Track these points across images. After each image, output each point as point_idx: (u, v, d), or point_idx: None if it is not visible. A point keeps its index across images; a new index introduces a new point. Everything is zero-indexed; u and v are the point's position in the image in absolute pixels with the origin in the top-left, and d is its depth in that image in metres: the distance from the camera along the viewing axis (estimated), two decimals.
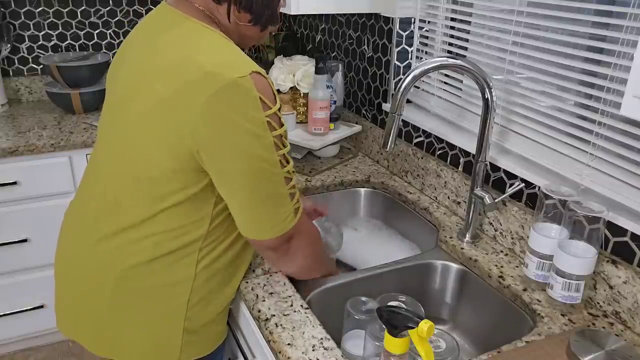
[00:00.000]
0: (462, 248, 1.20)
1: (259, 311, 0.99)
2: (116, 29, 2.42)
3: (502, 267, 1.14)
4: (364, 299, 1.01)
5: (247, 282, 1.07)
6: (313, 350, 0.89)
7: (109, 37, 2.42)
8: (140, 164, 0.91)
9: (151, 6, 2.46)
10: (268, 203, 0.90)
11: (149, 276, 0.95)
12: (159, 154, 0.89)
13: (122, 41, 0.97)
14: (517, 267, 1.14)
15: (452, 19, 1.42)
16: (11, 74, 2.31)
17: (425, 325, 0.71)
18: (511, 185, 1.22)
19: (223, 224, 0.97)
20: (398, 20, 1.52)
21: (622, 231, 0.98)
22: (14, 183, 1.84)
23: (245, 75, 0.83)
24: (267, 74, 1.77)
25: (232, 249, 1.01)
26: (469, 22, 1.35)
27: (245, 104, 0.83)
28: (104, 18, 2.39)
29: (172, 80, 0.85)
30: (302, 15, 2.14)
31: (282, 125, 0.90)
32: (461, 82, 1.42)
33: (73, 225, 1.04)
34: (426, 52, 1.53)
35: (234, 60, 0.85)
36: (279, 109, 0.89)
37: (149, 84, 0.89)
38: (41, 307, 2.04)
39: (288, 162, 0.92)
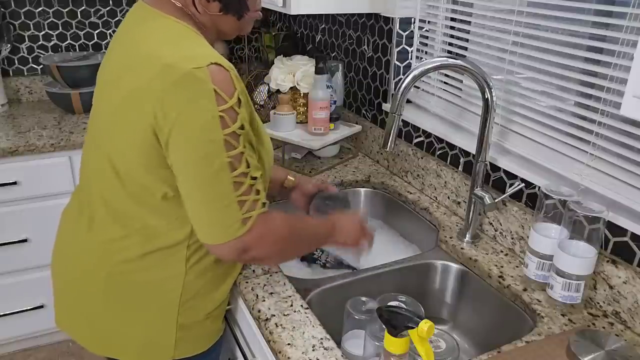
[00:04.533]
0: (462, 248, 1.20)
1: (259, 311, 0.99)
2: (116, 29, 2.42)
3: (502, 267, 1.14)
4: (364, 299, 1.01)
5: (247, 282, 1.07)
6: (313, 350, 0.89)
7: (108, 37, 2.42)
8: (117, 160, 0.92)
9: None
10: (212, 206, 0.86)
11: (139, 272, 0.96)
12: (129, 149, 0.89)
13: (112, 39, 0.98)
14: (517, 267, 1.14)
15: (452, 19, 1.42)
16: (11, 74, 2.31)
17: (425, 325, 0.71)
18: (511, 185, 1.22)
19: None
20: (398, 20, 1.52)
21: (622, 231, 0.98)
22: (14, 183, 1.84)
23: (202, 67, 0.82)
24: (268, 74, 1.76)
25: None
26: (469, 22, 1.35)
27: (199, 95, 0.81)
28: (104, 18, 2.39)
29: (137, 74, 0.86)
30: (302, 15, 2.14)
31: (237, 121, 0.84)
32: (461, 82, 1.42)
33: (66, 221, 1.06)
34: (426, 52, 1.53)
35: (195, 52, 0.84)
36: (239, 105, 0.85)
37: (119, 80, 0.90)
38: (41, 307, 2.04)
39: (244, 166, 0.86)
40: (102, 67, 1.00)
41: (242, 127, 0.86)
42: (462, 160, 1.37)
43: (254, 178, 0.89)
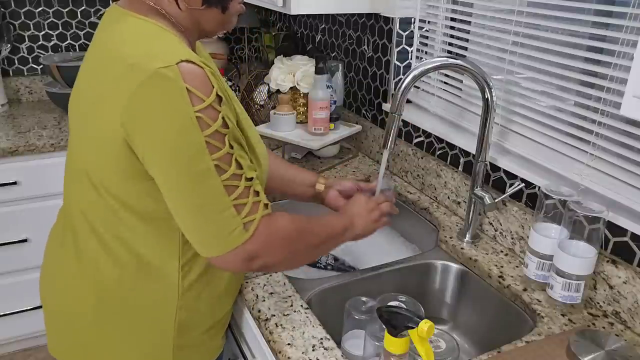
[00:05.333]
0: (462, 248, 1.20)
1: (259, 311, 0.99)
2: None
3: (502, 267, 1.14)
4: (364, 299, 1.01)
5: (247, 282, 1.07)
6: (313, 350, 0.89)
7: None
8: (95, 175, 0.85)
9: None
10: (205, 215, 0.79)
11: (131, 297, 0.90)
12: (103, 161, 0.82)
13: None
14: (517, 267, 1.14)
15: (452, 19, 1.42)
16: (11, 74, 2.31)
17: (425, 325, 0.71)
18: (511, 185, 1.22)
19: None
20: (398, 20, 1.52)
21: (622, 231, 0.98)
22: (14, 183, 1.84)
23: (170, 65, 0.74)
24: (268, 74, 1.76)
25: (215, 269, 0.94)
26: (469, 22, 1.35)
27: (168, 96, 0.74)
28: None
29: (101, 78, 0.81)
30: (302, 15, 2.14)
31: (221, 122, 0.77)
32: (461, 82, 1.42)
33: (53, 244, 1.00)
34: (426, 52, 1.53)
35: (162, 50, 0.77)
36: (220, 103, 0.78)
37: (86, 87, 0.86)
38: (41, 307, 2.03)
39: (235, 167, 0.79)
40: (78, 74, 0.94)
41: (225, 126, 0.78)
42: (462, 160, 1.37)
43: (250, 179, 0.81)
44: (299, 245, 0.90)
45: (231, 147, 0.79)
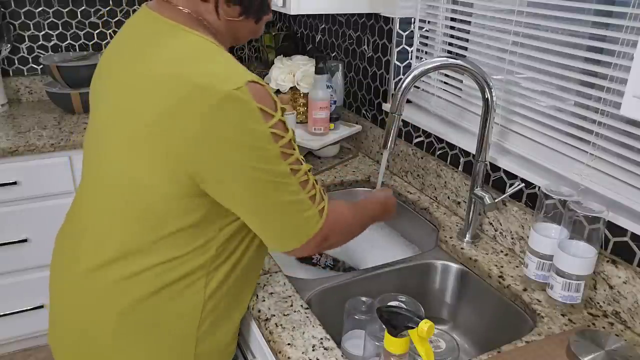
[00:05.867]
0: (462, 248, 1.20)
1: (259, 311, 0.99)
2: (116, 29, 2.42)
3: (502, 267, 1.14)
4: (364, 299, 1.01)
5: None
6: (313, 350, 0.89)
7: (108, 37, 2.42)
8: (132, 191, 0.84)
9: None
10: (287, 214, 0.85)
11: (155, 308, 0.88)
12: (152, 178, 0.82)
13: (112, 45, 0.92)
14: (517, 267, 1.14)
15: (452, 19, 1.42)
16: (11, 74, 2.31)
17: (425, 325, 0.71)
18: (511, 185, 1.22)
19: (228, 247, 0.91)
20: (398, 20, 1.52)
21: (622, 231, 0.98)
22: (14, 183, 1.84)
23: (242, 86, 0.76)
24: (268, 74, 1.77)
25: (240, 267, 0.94)
26: (469, 22, 1.35)
27: (245, 118, 0.76)
28: (104, 18, 2.38)
29: (161, 98, 0.78)
30: (302, 15, 2.14)
31: (287, 130, 0.83)
32: (461, 82, 1.42)
33: (63, 253, 0.96)
34: (426, 52, 1.53)
35: (226, 70, 0.78)
36: (283, 113, 0.83)
37: (136, 104, 0.82)
38: (41, 307, 2.04)
39: (301, 165, 0.86)
40: (101, 84, 0.91)
41: (293, 132, 0.85)
42: (462, 160, 1.37)
43: (309, 171, 0.89)
44: (355, 227, 1.00)
45: (294, 148, 0.85)
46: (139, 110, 0.81)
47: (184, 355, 0.91)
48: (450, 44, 1.44)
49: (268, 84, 1.75)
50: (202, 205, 0.84)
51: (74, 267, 0.91)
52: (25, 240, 1.93)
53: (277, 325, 0.94)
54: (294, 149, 0.84)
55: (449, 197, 1.39)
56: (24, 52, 2.30)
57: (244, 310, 1.00)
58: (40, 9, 2.27)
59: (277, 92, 1.75)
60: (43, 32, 2.31)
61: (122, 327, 0.88)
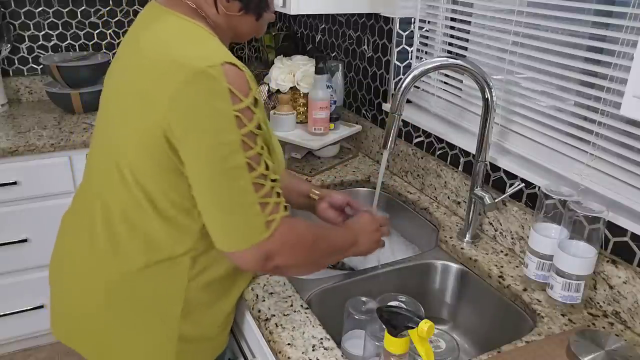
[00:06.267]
0: (462, 248, 1.20)
1: (259, 311, 0.99)
2: (116, 29, 2.42)
3: (502, 267, 1.14)
4: (364, 299, 1.01)
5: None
6: (313, 350, 0.89)
7: (109, 37, 2.42)
8: (125, 165, 0.88)
9: None
10: (231, 210, 0.82)
11: (140, 284, 0.92)
12: (138, 153, 0.86)
13: (122, 41, 0.97)
14: (517, 267, 1.14)
15: (452, 19, 1.42)
16: (11, 74, 2.31)
17: (425, 325, 0.71)
18: (511, 185, 1.22)
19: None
20: (398, 20, 1.52)
21: (622, 231, 0.98)
22: (14, 183, 1.84)
23: (215, 65, 0.78)
24: (268, 74, 1.77)
25: (227, 261, 0.96)
26: (469, 22, 1.35)
27: (212, 95, 0.78)
28: (104, 18, 2.38)
29: (146, 74, 0.84)
30: (302, 15, 2.14)
31: (257, 123, 0.82)
32: (461, 82, 1.42)
33: (67, 227, 1.03)
34: (426, 52, 1.53)
35: (208, 51, 0.81)
36: (255, 104, 0.83)
37: (128, 82, 0.88)
38: (41, 307, 2.04)
39: (260, 166, 0.82)
40: (110, 70, 0.97)
41: (259, 127, 0.83)
42: (462, 160, 1.37)
43: (274, 180, 0.85)
44: (312, 252, 0.93)
45: (262, 148, 0.84)
46: (128, 87, 0.87)
47: (168, 337, 0.95)
48: (450, 44, 1.44)
49: (268, 83, 1.76)
50: (184, 183, 0.86)
51: (74, 241, 0.99)
52: (25, 240, 1.93)
53: (277, 325, 0.94)
54: (257, 145, 0.82)
55: (449, 197, 1.39)
56: (24, 52, 2.30)
57: (231, 303, 1.02)
58: (40, 9, 2.27)
59: (277, 92, 1.75)
60: (43, 32, 2.31)
61: (110, 299, 0.93)
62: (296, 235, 0.88)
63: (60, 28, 2.33)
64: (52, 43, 2.34)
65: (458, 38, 1.41)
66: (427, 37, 1.53)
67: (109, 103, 0.95)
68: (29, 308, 2.02)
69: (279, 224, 0.85)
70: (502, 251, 1.20)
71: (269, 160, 0.86)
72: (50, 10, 2.29)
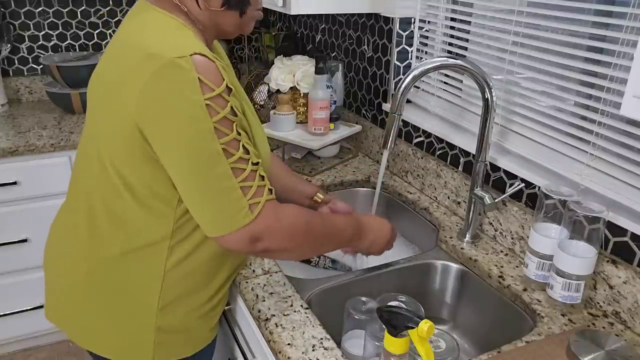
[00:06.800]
0: (462, 248, 1.20)
1: (259, 311, 0.99)
2: (116, 29, 2.42)
3: (502, 267, 1.14)
4: (364, 299, 1.01)
5: (247, 282, 1.07)
6: (313, 350, 0.89)
7: (109, 37, 2.42)
8: (104, 154, 0.90)
9: None
10: (212, 197, 0.83)
11: (118, 270, 0.94)
12: (114, 142, 0.87)
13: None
14: (517, 267, 1.14)
15: (452, 19, 1.42)
16: (11, 74, 2.31)
17: (425, 325, 0.71)
18: (511, 185, 1.22)
19: (188, 224, 0.93)
20: (398, 20, 1.52)
21: (622, 231, 0.98)
22: (14, 183, 1.84)
23: (185, 56, 0.79)
24: (268, 74, 1.76)
25: (206, 250, 0.97)
26: (469, 22, 1.35)
27: (182, 85, 0.79)
28: (104, 18, 2.39)
29: (119, 65, 0.86)
30: (302, 15, 2.14)
31: (230, 109, 0.83)
32: (461, 82, 1.42)
33: (59, 216, 1.07)
34: (426, 52, 1.53)
35: (178, 42, 0.82)
36: (229, 93, 0.84)
37: (108, 73, 0.90)
38: (41, 307, 2.04)
39: (238, 151, 0.83)
40: (98, 63, 0.99)
41: (233, 114, 0.83)
42: (462, 160, 1.37)
43: (255, 164, 0.86)
44: (306, 237, 0.93)
45: (238, 133, 0.84)
46: (106, 77, 0.90)
47: (145, 325, 0.96)
48: (450, 44, 1.44)
49: (268, 83, 1.76)
50: (160, 172, 0.87)
51: (62, 227, 1.03)
52: (25, 240, 1.93)
53: (277, 325, 0.94)
54: (232, 131, 0.83)
55: (449, 197, 1.39)
56: (24, 52, 2.30)
57: (209, 294, 1.01)
58: (40, 9, 2.27)
59: (277, 92, 1.75)
60: (43, 32, 2.31)
61: (90, 283, 0.96)
62: (285, 218, 0.88)
63: (60, 28, 2.33)
64: (52, 43, 2.34)
65: (458, 38, 1.41)
66: (427, 37, 1.53)
67: (92, 94, 0.96)
68: (29, 308, 2.02)
69: (263, 207, 0.85)
70: (502, 251, 1.20)
71: (249, 145, 0.86)
72: (50, 10, 2.29)
